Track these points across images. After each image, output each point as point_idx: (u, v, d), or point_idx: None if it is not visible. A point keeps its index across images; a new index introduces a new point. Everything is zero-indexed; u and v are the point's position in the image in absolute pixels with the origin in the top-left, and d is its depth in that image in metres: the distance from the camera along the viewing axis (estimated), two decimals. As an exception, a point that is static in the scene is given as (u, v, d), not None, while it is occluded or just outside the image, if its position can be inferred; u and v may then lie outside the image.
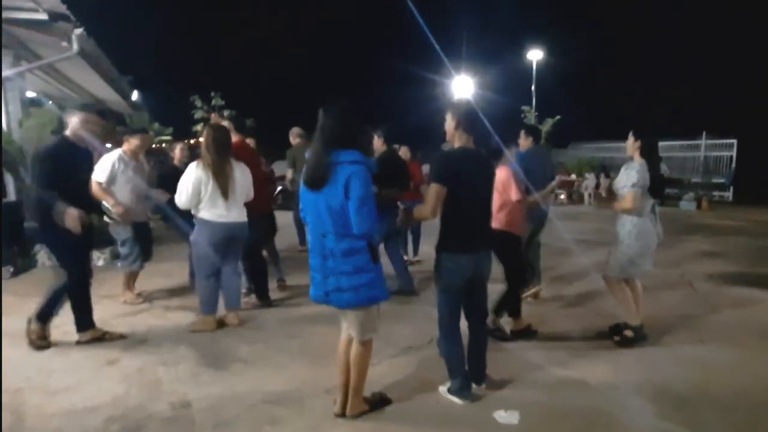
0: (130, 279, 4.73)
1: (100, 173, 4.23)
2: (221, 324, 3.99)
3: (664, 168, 14.69)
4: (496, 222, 3.53)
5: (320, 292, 2.48)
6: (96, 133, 3.63)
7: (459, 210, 2.71)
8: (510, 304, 3.80)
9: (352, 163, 2.35)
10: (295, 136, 6.40)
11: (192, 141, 10.42)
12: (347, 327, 2.60)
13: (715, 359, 3.42)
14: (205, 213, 3.77)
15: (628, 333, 3.66)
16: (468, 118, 2.79)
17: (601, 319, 4.13)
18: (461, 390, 2.83)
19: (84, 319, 3.68)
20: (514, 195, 3.58)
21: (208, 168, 3.71)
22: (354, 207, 2.33)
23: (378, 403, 2.77)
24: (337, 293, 2.43)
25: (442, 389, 2.92)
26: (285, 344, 3.65)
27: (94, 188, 4.13)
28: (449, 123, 2.82)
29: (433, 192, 2.68)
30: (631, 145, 3.69)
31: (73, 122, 3.54)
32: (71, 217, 3.31)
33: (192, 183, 3.69)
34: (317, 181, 2.37)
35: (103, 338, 3.71)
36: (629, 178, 3.51)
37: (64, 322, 4.03)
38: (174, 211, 4.19)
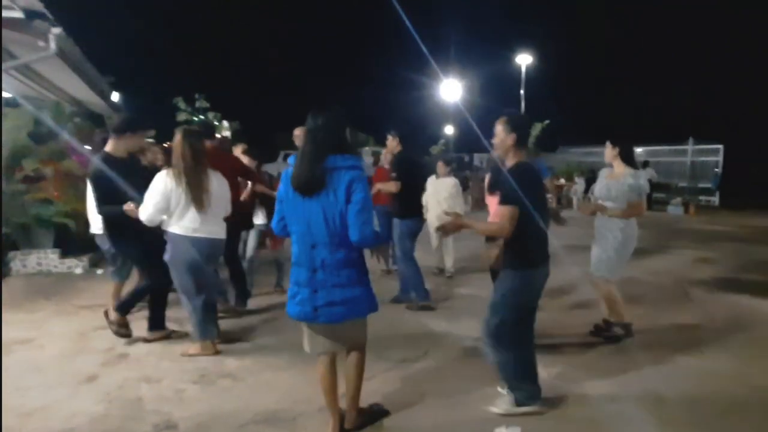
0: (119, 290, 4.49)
1: None
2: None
3: (652, 173, 14.87)
4: None
5: (307, 308, 2.32)
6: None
7: (533, 224, 2.61)
8: None
9: (351, 168, 2.26)
10: None
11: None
12: (328, 345, 2.46)
13: (714, 370, 3.36)
14: (174, 227, 3.36)
15: (618, 330, 3.85)
16: (526, 132, 2.75)
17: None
18: (534, 397, 2.76)
19: (157, 319, 3.85)
20: None
21: (180, 178, 3.30)
22: (355, 212, 2.24)
23: (376, 414, 2.67)
24: (329, 308, 2.30)
25: (506, 408, 2.75)
26: (274, 359, 3.49)
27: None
28: (504, 137, 2.69)
29: (509, 214, 2.55)
30: (610, 152, 3.90)
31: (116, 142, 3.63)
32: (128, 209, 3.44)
33: (161, 194, 3.27)
34: (312, 186, 2.25)
35: (169, 336, 3.85)
36: (642, 187, 3.75)
37: (38, 336, 3.86)
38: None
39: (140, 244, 3.60)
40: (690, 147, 16.09)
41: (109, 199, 3.47)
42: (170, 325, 3.94)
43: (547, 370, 3.27)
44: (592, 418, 2.72)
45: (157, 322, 3.85)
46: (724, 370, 3.36)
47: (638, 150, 17.64)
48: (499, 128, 2.72)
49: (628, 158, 3.85)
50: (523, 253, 2.66)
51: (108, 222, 3.65)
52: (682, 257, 7.24)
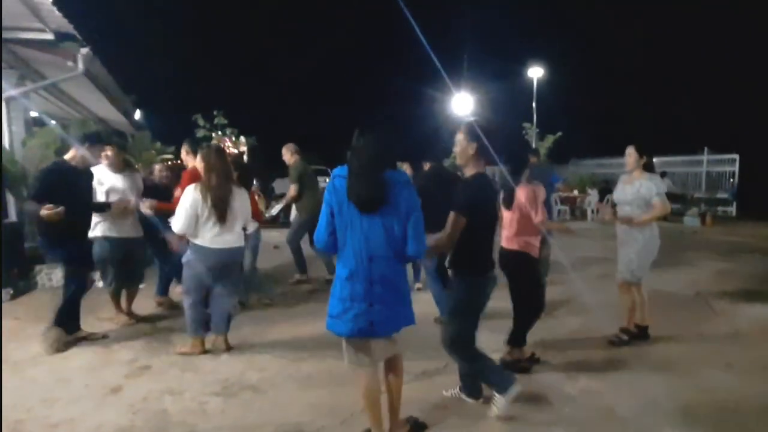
0: (114, 299, 4.61)
1: None
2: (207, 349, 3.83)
3: (669, 183, 14.71)
4: (514, 243, 3.45)
5: (363, 323, 2.31)
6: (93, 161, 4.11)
7: (484, 235, 2.72)
8: (519, 330, 3.56)
9: (407, 183, 2.34)
10: (294, 152, 6.14)
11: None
12: (376, 356, 2.45)
13: (743, 385, 3.29)
14: (198, 238, 3.61)
15: (624, 336, 3.97)
16: (488, 142, 2.77)
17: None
18: (511, 380, 2.81)
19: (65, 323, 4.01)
20: (537, 216, 3.40)
21: (207, 193, 3.54)
22: (414, 227, 2.31)
23: (415, 427, 2.66)
24: (384, 321, 2.34)
25: (499, 405, 2.78)
26: (295, 370, 3.51)
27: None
28: (465, 146, 2.73)
29: (456, 222, 2.61)
30: (636, 160, 3.88)
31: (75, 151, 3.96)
32: (43, 212, 3.59)
33: (191, 206, 3.52)
34: (375, 202, 2.28)
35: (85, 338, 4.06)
36: (656, 187, 3.76)
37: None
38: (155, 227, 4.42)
39: (66, 246, 3.89)
40: (705, 157, 15.93)
41: (43, 199, 3.70)
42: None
43: (570, 384, 3.25)
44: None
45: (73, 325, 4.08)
46: (755, 385, 3.29)
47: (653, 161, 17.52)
48: (460, 137, 2.75)
49: (650, 167, 3.94)
50: (471, 262, 2.73)
51: (41, 221, 3.79)
52: (702, 269, 7.13)
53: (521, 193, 3.41)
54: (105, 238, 4.36)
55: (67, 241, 3.89)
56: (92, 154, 4.07)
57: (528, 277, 3.53)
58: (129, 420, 2.83)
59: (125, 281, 4.62)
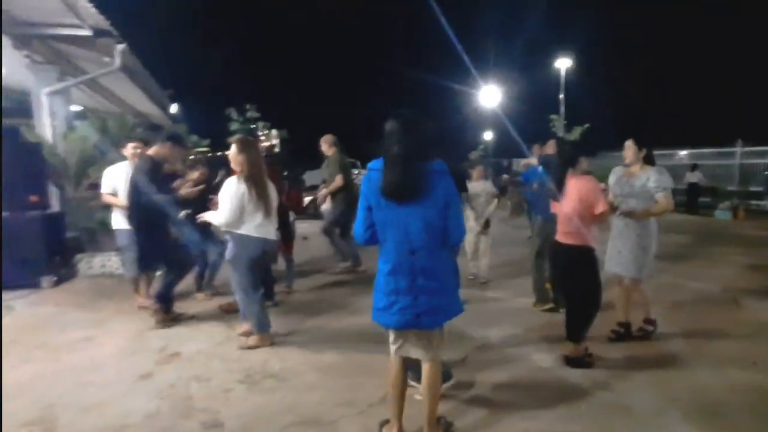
0: (136, 283, 4.81)
1: (104, 185, 4.68)
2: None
3: (700, 176, 14.21)
4: (572, 237, 3.38)
5: (409, 316, 2.28)
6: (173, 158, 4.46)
7: None
8: (582, 326, 3.46)
9: (444, 172, 2.29)
10: (332, 144, 6.20)
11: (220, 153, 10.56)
12: (414, 350, 2.42)
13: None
14: (243, 228, 3.70)
15: (649, 327, 3.92)
16: (421, 136, 2.78)
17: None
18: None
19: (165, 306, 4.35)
20: (600, 207, 3.28)
21: (252, 184, 3.65)
22: (454, 217, 2.28)
23: (446, 430, 2.61)
24: (430, 313, 2.28)
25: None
26: (317, 361, 3.59)
27: (103, 198, 4.72)
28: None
29: None
30: (636, 153, 3.79)
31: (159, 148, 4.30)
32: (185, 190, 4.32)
33: (237, 197, 3.61)
34: (410, 192, 2.23)
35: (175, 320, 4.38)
36: (663, 182, 3.65)
37: (99, 334, 4.12)
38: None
39: (160, 238, 4.24)
40: (738, 149, 15.25)
41: (151, 193, 4.04)
42: (220, 324, 4.15)
43: (588, 380, 3.23)
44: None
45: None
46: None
47: (683, 153, 16.88)
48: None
49: (651, 160, 3.80)
50: None
51: (142, 215, 4.18)
52: (731, 264, 6.88)
53: (578, 185, 3.33)
54: (127, 229, 4.52)
55: (153, 233, 4.21)
56: (175, 152, 4.41)
57: (591, 270, 3.41)
58: (156, 405, 2.94)
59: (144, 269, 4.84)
